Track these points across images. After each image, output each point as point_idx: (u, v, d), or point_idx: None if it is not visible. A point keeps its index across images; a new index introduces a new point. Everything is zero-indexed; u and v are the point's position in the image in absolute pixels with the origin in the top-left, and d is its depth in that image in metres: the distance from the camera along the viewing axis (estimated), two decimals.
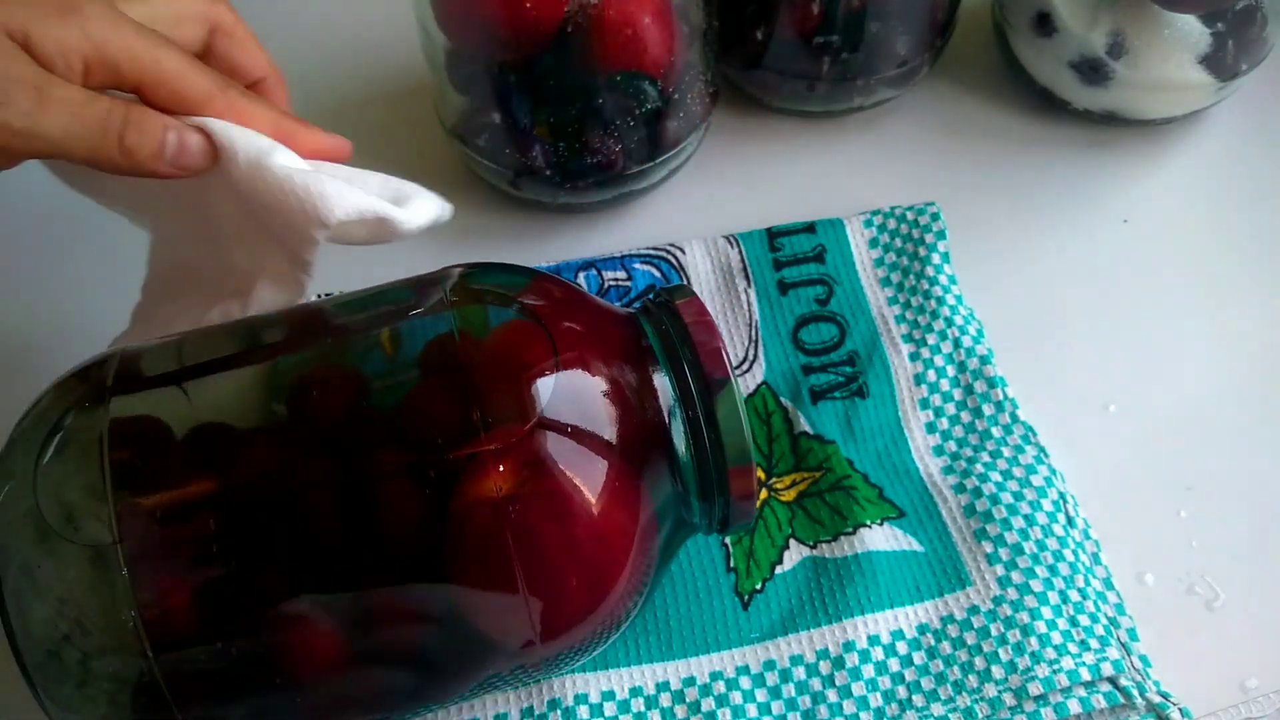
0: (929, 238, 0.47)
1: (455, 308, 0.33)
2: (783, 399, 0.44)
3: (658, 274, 0.48)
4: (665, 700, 0.38)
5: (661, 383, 0.33)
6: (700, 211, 0.51)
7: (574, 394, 0.31)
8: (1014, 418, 0.43)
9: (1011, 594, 0.38)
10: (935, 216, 0.48)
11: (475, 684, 0.33)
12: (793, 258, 0.48)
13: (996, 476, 0.41)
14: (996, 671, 0.37)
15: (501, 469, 0.29)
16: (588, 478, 0.30)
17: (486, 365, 0.32)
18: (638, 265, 0.48)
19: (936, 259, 0.47)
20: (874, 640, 0.38)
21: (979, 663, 0.37)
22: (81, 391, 0.31)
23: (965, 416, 0.43)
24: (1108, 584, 0.39)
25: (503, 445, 0.30)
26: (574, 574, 0.31)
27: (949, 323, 0.45)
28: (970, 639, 0.38)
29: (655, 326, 0.34)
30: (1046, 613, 0.38)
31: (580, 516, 0.30)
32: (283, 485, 0.30)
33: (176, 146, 0.32)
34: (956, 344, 0.45)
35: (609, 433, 0.31)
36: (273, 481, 0.30)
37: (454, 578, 0.30)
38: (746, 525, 0.34)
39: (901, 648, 0.38)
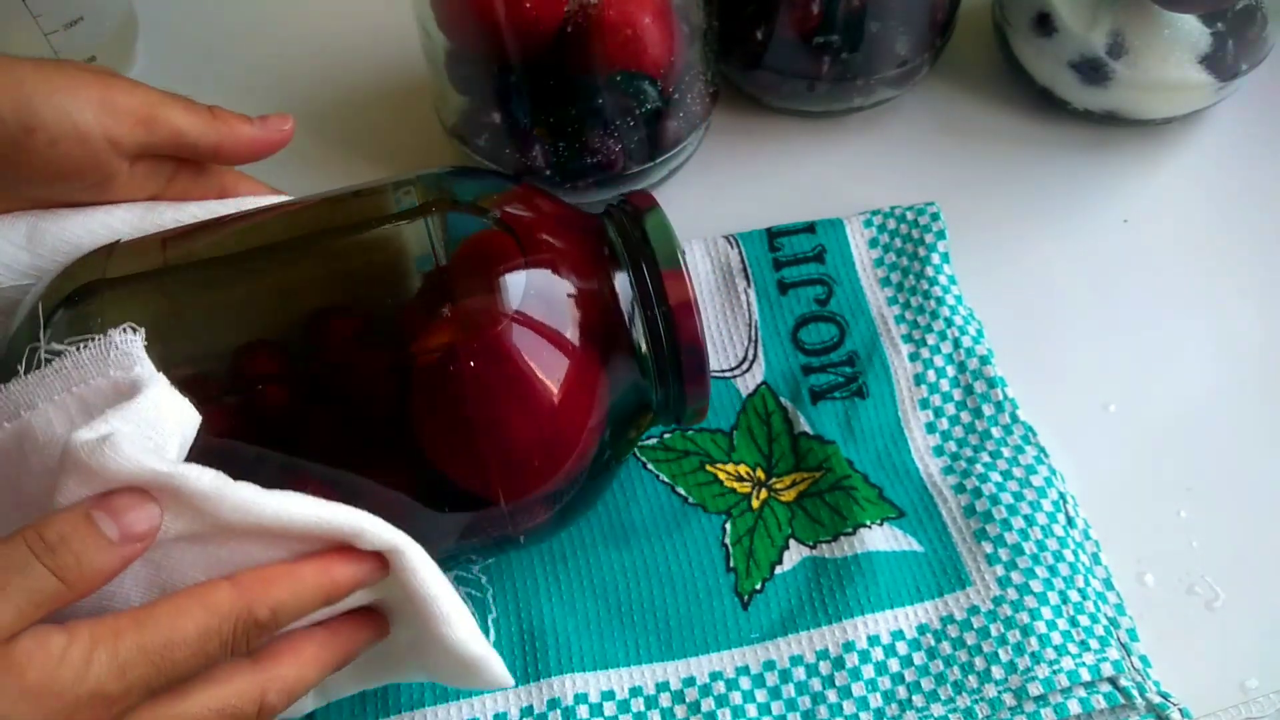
0: (929, 238, 0.47)
1: (432, 209, 0.34)
2: (782, 399, 0.44)
3: None
4: (665, 700, 0.38)
5: (622, 282, 0.35)
6: (700, 211, 0.51)
7: (539, 288, 0.33)
8: (1014, 418, 0.43)
9: (1011, 594, 0.38)
10: (935, 216, 0.48)
11: (456, 536, 0.35)
12: (793, 258, 0.48)
13: (996, 477, 0.41)
14: (996, 672, 0.37)
15: (470, 353, 0.32)
16: (549, 362, 0.33)
17: (460, 263, 0.34)
18: None
19: (936, 259, 0.47)
20: (874, 640, 0.38)
21: (979, 663, 0.37)
22: (79, 278, 0.33)
23: (965, 417, 0.43)
24: (1108, 584, 0.39)
25: (470, 331, 0.32)
26: (536, 449, 0.33)
27: (949, 323, 0.45)
28: (970, 639, 0.38)
29: (618, 228, 0.36)
30: (1046, 613, 0.38)
31: (541, 395, 0.33)
32: (273, 361, 0.32)
33: (259, 118, 0.38)
34: (956, 344, 0.45)
35: (570, 324, 0.33)
36: (261, 360, 0.32)
37: (421, 433, 0.32)
38: (703, 401, 0.35)
39: (901, 648, 0.38)
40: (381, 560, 0.29)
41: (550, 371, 0.33)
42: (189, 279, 0.34)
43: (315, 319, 0.34)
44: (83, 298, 0.33)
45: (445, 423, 0.32)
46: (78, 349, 0.28)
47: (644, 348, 0.35)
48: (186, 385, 0.29)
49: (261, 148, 0.38)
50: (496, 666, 0.32)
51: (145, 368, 0.28)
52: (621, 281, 0.35)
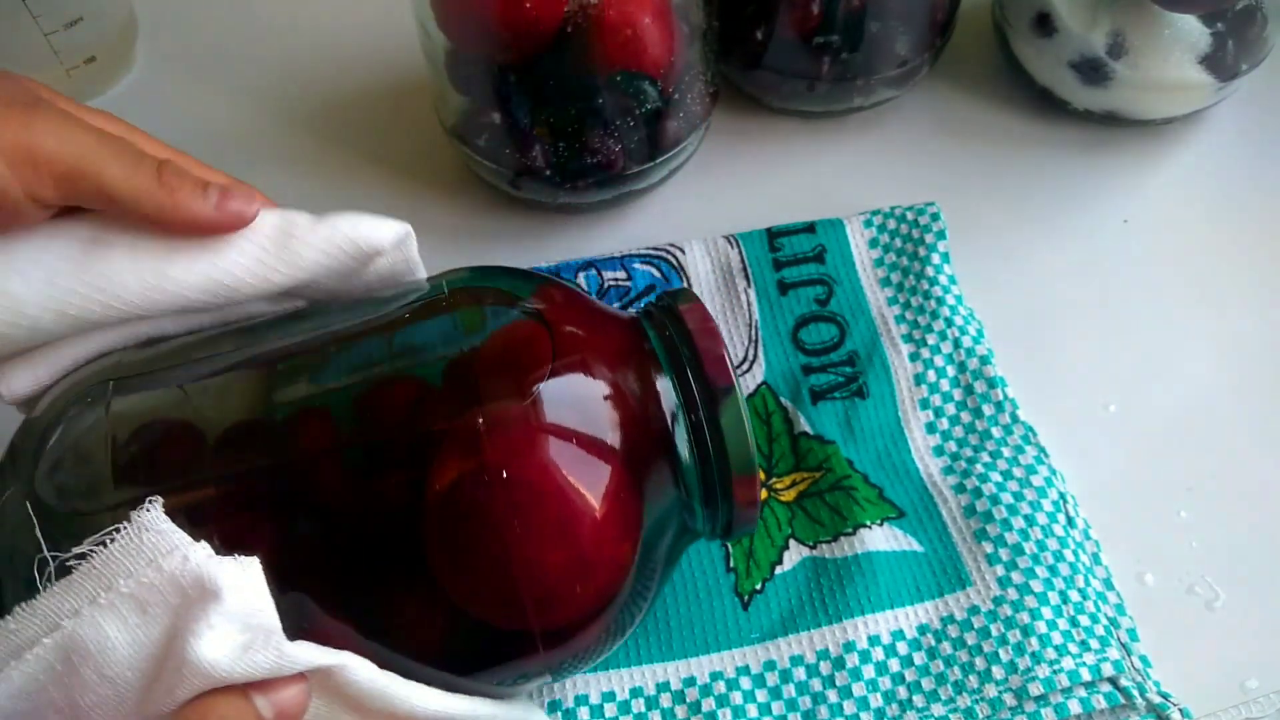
0: (929, 238, 0.47)
1: (457, 310, 0.33)
2: (783, 399, 0.44)
3: (657, 274, 0.48)
4: (665, 701, 0.38)
5: (664, 387, 0.32)
6: (700, 211, 0.51)
7: (574, 396, 0.31)
8: (1014, 418, 0.43)
9: (1011, 594, 0.38)
10: (935, 216, 0.48)
11: (489, 685, 0.33)
12: (793, 258, 0.48)
13: (996, 477, 0.41)
14: (997, 672, 0.37)
15: (501, 472, 0.29)
16: (588, 480, 0.30)
17: (486, 367, 0.31)
18: (637, 265, 0.48)
19: (936, 259, 0.47)
20: (874, 640, 0.38)
21: (979, 663, 0.37)
22: (82, 392, 0.31)
23: (965, 417, 0.43)
24: (1108, 584, 0.39)
25: (499, 448, 0.29)
26: (575, 579, 0.31)
27: (949, 323, 0.45)
28: (970, 639, 0.38)
29: (658, 331, 0.34)
30: (1047, 613, 0.38)
31: (581, 518, 0.30)
32: (284, 484, 0.30)
33: (218, 191, 0.31)
34: (956, 344, 0.45)
35: (610, 436, 0.31)
36: (272, 480, 0.30)
37: (451, 582, 0.30)
38: (749, 531, 0.34)
39: (902, 648, 0.38)
40: None
41: (591, 483, 0.30)
42: (208, 386, 0.32)
43: (369, 395, 0.31)
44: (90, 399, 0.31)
45: (472, 545, 0.30)
46: (104, 544, 0.26)
47: (686, 458, 0.33)
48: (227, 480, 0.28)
49: (208, 230, 0.32)
50: None
51: (195, 552, 0.26)
52: (664, 385, 0.32)
